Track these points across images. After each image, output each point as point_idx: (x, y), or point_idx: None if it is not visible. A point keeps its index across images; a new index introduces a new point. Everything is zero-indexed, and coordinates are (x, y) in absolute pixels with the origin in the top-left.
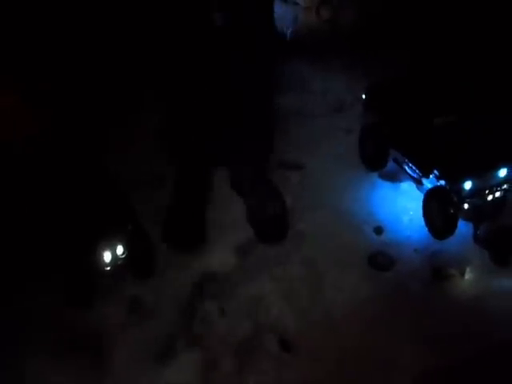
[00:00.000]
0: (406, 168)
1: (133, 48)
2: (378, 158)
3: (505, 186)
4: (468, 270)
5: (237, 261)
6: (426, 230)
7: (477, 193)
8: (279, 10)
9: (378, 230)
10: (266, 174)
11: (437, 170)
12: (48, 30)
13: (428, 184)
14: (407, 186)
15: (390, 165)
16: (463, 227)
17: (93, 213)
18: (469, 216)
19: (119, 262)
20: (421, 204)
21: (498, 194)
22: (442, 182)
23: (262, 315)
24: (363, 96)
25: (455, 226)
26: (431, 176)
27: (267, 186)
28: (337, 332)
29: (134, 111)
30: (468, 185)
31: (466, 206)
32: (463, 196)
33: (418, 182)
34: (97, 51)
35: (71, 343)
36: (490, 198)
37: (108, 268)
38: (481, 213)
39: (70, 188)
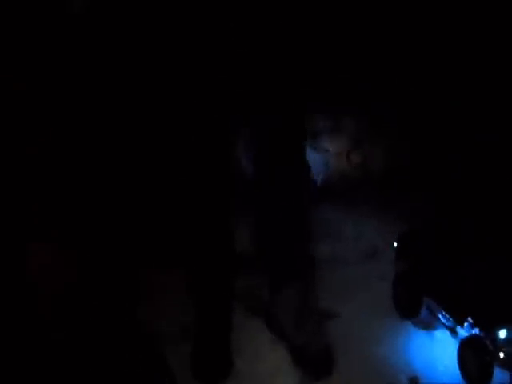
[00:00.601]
0: (440, 316)
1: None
2: (411, 306)
3: None
4: None
5: None
6: (461, 378)
7: None
8: (309, 157)
9: (413, 381)
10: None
11: (470, 319)
12: None
13: (462, 332)
14: (441, 334)
15: (424, 312)
16: (499, 375)
17: (131, 371)
18: (505, 364)
19: None
20: (455, 352)
21: None
22: (477, 331)
23: None
24: (395, 244)
25: (491, 375)
26: (465, 324)
27: (313, 322)
28: None
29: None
30: (503, 333)
31: (501, 354)
32: (499, 344)
33: (452, 331)
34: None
35: None
36: None
37: None
38: None
39: (105, 345)
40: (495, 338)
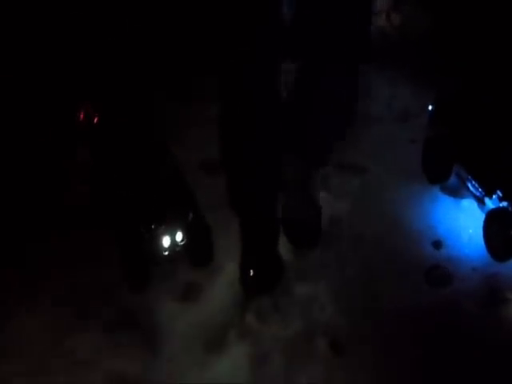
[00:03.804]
0: (469, 185)
1: None
2: (440, 172)
3: None
4: None
5: (293, 259)
6: (485, 249)
7: None
8: None
9: (437, 245)
10: (316, 178)
11: (500, 191)
12: None
13: (490, 204)
14: (468, 203)
15: (453, 179)
16: None
17: (156, 197)
18: None
19: (177, 249)
20: (481, 223)
21: None
22: (505, 204)
23: (314, 315)
24: (430, 108)
25: None
26: (494, 196)
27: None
28: (388, 342)
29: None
30: None
31: None
32: None
33: (480, 201)
34: None
35: (124, 322)
36: None
37: (166, 253)
38: None
39: (133, 170)
40: None
